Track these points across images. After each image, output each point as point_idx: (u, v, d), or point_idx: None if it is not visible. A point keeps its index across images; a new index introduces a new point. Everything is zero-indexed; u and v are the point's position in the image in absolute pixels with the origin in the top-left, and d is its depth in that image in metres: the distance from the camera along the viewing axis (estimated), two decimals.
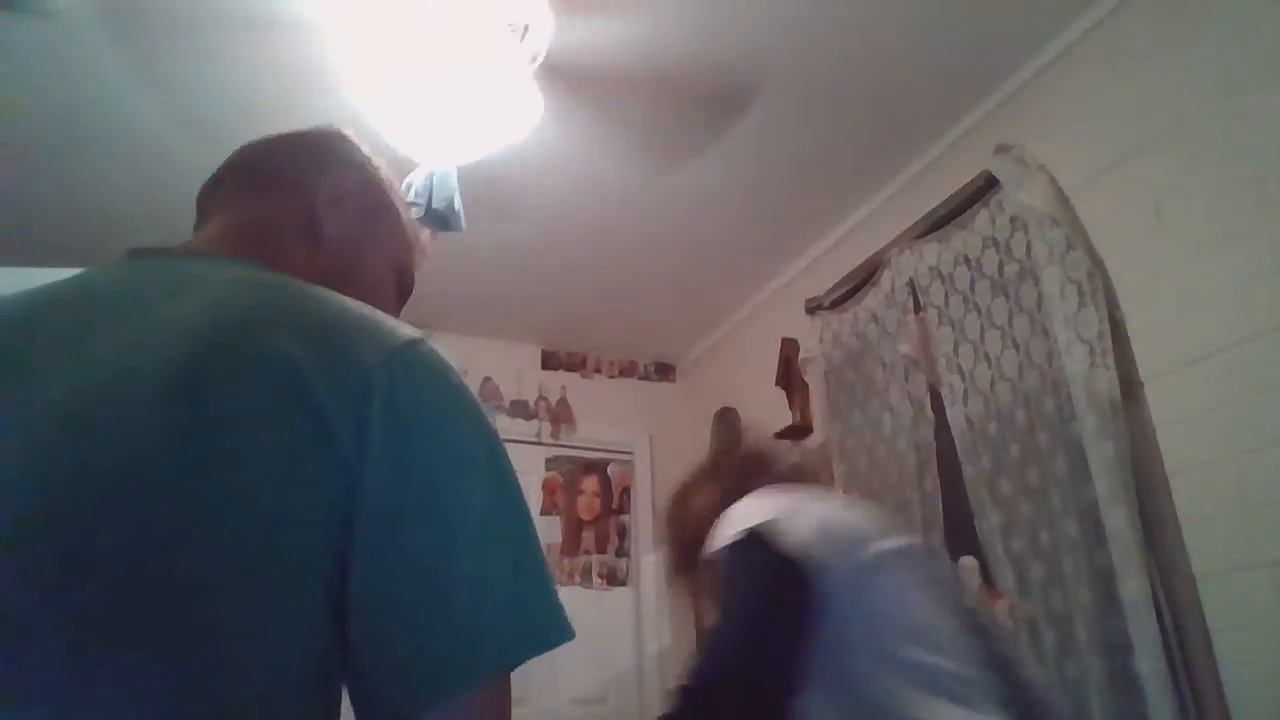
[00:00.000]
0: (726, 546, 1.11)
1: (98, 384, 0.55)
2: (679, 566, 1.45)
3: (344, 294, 0.71)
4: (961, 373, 2.49)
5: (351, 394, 0.57)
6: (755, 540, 1.08)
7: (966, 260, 2.55)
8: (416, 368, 0.62)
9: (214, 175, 0.86)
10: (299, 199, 0.83)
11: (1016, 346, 2.35)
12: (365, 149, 0.92)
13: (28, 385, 0.57)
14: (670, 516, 1.49)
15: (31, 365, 0.58)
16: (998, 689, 0.97)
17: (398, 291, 0.90)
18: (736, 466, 1.44)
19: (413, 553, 0.56)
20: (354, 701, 0.56)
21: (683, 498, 1.47)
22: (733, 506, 1.21)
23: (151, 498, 0.51)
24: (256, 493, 0.53)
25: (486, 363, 3.79)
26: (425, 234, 0.99)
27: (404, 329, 0.65)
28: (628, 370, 4.23)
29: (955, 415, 2.48)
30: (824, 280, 3.18)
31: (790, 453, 1.48)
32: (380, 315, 0.66)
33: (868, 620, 1.01)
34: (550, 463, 3.89)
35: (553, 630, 0.59)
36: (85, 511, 0.50)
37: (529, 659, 0.57)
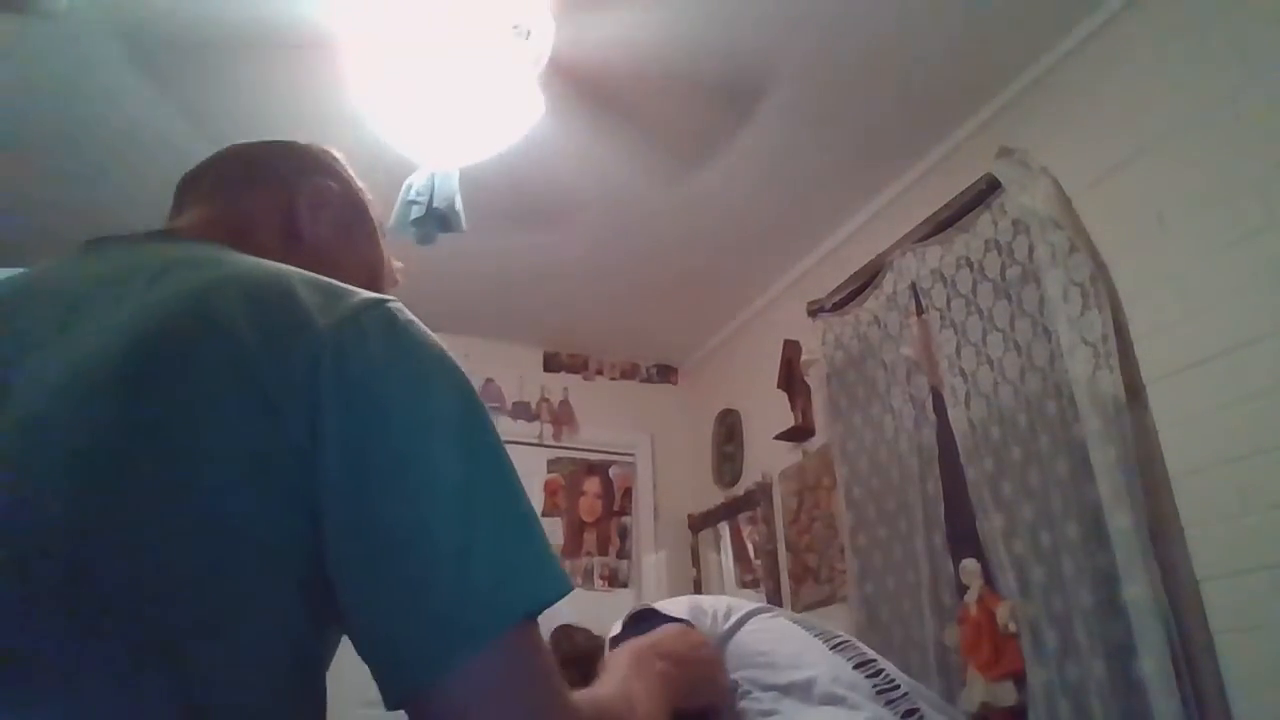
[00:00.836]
0: (622, 627, 1.28)
1: (50, 385, 0.54)
2: None
3: None
4: (963, 375, 2.49)
5: (299, 369, 0.55)
6: (645, 613, 1.26)
7: (969, 263, 2.54)
8: (370, 330, 0.58)
9: (196, 168, 0.86)
10: (279, 197, 0.83)
11: (1018, 349, 2.35)
12: (351, 171, 0.93)
13: None
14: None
15: None
16: (868, 686, 1.12)
17: None
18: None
19: (383, 530, 0.53)
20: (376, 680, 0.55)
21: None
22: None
23: (106, 500, 0.50)
24: (209, 488, 0.52)
25: (488, 364, 3.80)
26: (399, 264, 1.00)
27: (363, 293, 0.61)
28: (629, 372, 4.23)
29: (957, 417, 2.48)
30: (826, 282, 3.18)
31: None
32: (340, 284, 0.62)
33: (742, 664, 1.16)
34: (552, 464, 3.90)
35: (546, 585, 0.55)
36: (43, 520, 0.49)
37: (530, 616, 0.54)
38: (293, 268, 0.64)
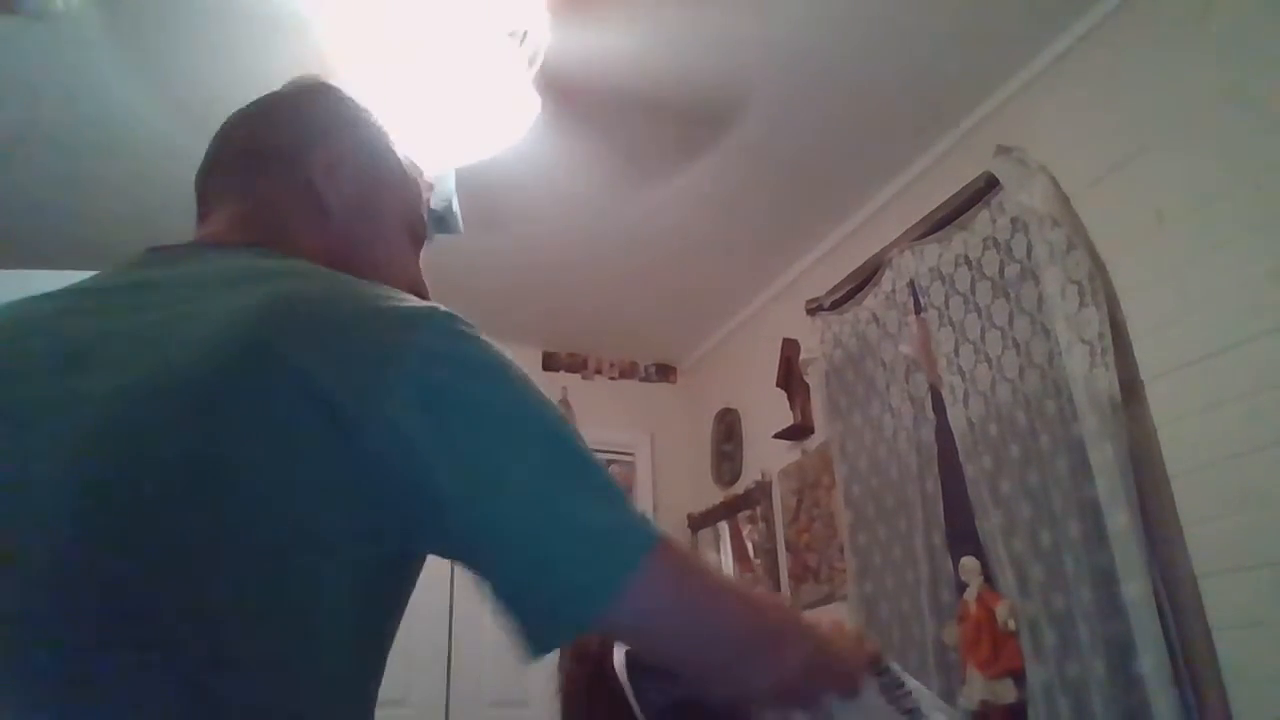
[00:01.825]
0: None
1: (118, 396, 0.56)
2: None
3: (361, 260, 0.72)
4: (962, 373, 2.50)
5: (368, 388, 0.56)
6: None
7: (967, 261, 2.55)
8: (434, 343, 0.60)
9: (206, 161, 0.84)
10: (295, 175, 0.81)
11: (1017, 347, 2.35)
12: (349, 95, 0.89)
13: (46, 401, 0.57)
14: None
15: (48, 379, 0.59)
16: (874, 683, 1.07)
17: (413, 241, 0.88)
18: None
19: (501, 528, 0.58)
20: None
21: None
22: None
23: (172, 517, 0.52)
24: (274, 509, 0.54)
25: None
26: (424, 168, 0.96)
27: (412, 304, 0.63)
28: (628, 371, 4.23)
29: (956, 416, 2.48)
30: (825, 281, 3.18)
31: None
32: (388, 295, 0.64)
33: None
34: None
35: (646, 532, 0.61)
36: (104, 533, 0.51)
37: (653, 554, 0.60)
38: (343, 280, 0.66)
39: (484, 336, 0.64)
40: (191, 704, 0.50)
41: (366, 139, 0.87)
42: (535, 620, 0.59)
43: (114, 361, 0.58)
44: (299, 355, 0.56)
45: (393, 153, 0.89)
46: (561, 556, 0.58)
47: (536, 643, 0.59)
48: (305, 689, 0.54)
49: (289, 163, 0.81)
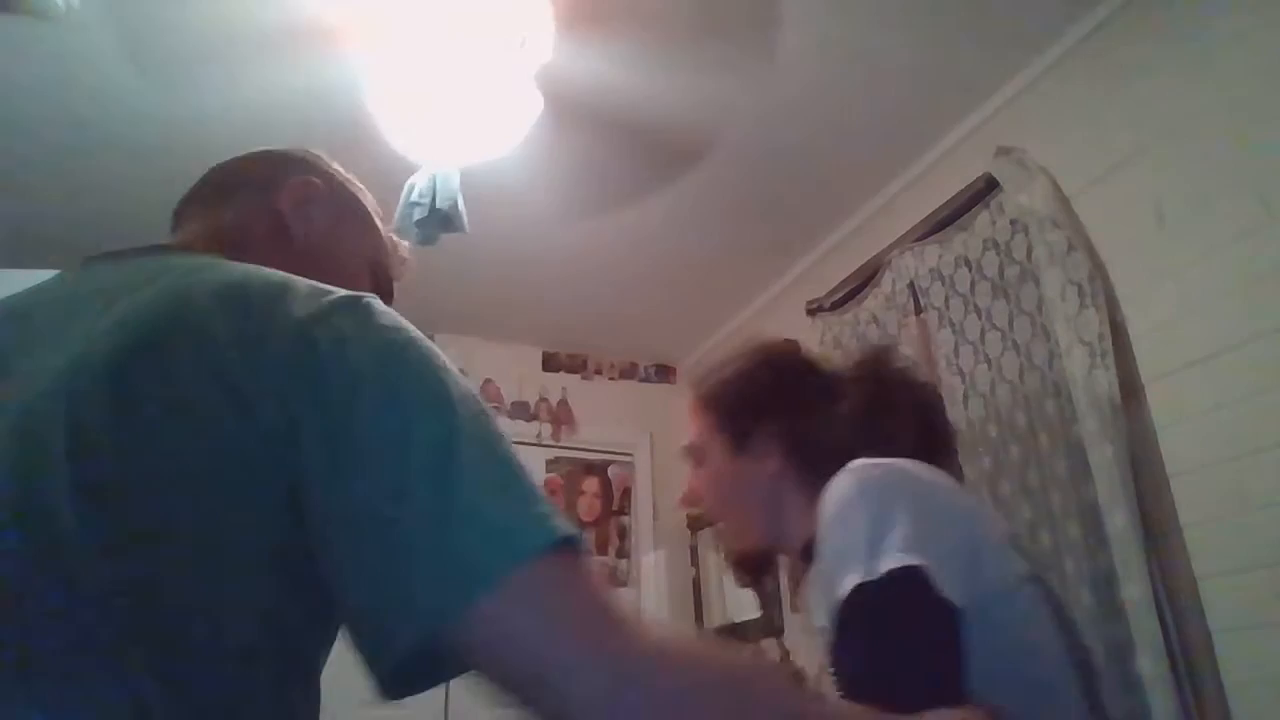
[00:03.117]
0: (860, 589, 0.85)
1: (40, 390, 0.56)
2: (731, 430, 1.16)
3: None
4: (962, 374, 2.50)
5: (270, 363, 0.57)
6: (901, 593, 0.84)
7: (967, 262, 2.55)
8: (341, 321, 0.59)
9: (186, 193, 0.88)
10: (264, 201, 0.84)
11: (1017, 348, 2.36)
12: (336, 165, 0.94)
13: None
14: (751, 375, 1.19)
15: None
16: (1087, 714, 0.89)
17: (374, 291, 0.90)
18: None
19: (361, 504, 0.53)
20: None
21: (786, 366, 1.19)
22: (841, 484, 0.95)
23: (88, 504, 0.52)
24: (189, 486, 0.54)
25: (487, 365, 3.79)
26: (405, 245, 1.00)
27: (340, 291, 0.62)
28: (628, 372, 4.23)
29: (955, 417, 2.48)
30: (824, 282, 3.18)
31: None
32: (320, 285, 0.64)
33: (994, 655, 0.84)
34: (551, 464, 3.89)
35: (532, 532, 0.54)
36: (21, 529, 0.51)
37: (530, 562, 0.53)
38: (277, 272, 0.66)
39: (408, 326, 0.62)
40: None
41: (343, 192, 0.91)
42: (377, 631, 0.52)
43: (43, 357, 0.59)
44: (208, 331, 0.57)
45: (370, 214, 0.93)
46: (426, 544, 0.51)
47: (381, 663, 0.52)
48: (236, 653, 0.54)
49: (262, 189, 0.85)
